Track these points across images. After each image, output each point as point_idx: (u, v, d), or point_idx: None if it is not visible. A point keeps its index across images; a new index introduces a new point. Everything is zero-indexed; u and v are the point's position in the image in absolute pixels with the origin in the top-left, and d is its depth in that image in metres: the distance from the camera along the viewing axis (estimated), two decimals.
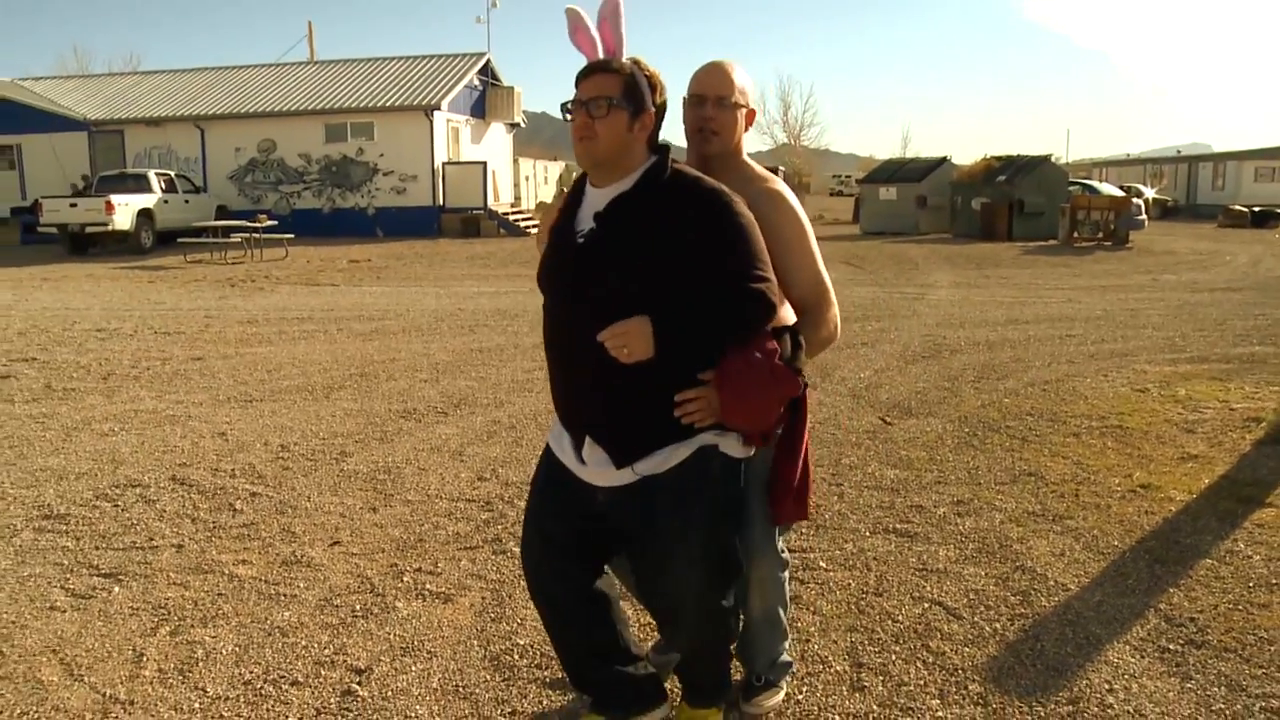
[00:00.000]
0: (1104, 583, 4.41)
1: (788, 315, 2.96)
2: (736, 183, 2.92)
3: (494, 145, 37.90)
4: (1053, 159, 32.17)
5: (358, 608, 4.26)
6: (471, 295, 15.60)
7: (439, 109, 31.68)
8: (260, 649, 3.89)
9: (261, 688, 3.60)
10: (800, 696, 3.45)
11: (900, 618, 4.05)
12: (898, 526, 5.08)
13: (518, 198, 42.49)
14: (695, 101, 3.07)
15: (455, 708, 3.45)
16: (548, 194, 60.58)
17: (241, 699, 3.52)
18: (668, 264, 2.68)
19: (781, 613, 3.33)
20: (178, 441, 7.05)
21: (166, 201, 27.87)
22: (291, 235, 25.71)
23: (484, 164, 32.76)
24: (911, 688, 3.51)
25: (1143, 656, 3.74)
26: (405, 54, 36.48)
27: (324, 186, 32.84)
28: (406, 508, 5.51)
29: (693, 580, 2.88)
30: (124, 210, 26.26)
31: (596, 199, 2.83)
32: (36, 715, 3.46)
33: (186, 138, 33.42)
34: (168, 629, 4.09)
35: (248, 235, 24.29)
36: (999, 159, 31.72)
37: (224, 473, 6.26)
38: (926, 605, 4.17)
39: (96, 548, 5.01)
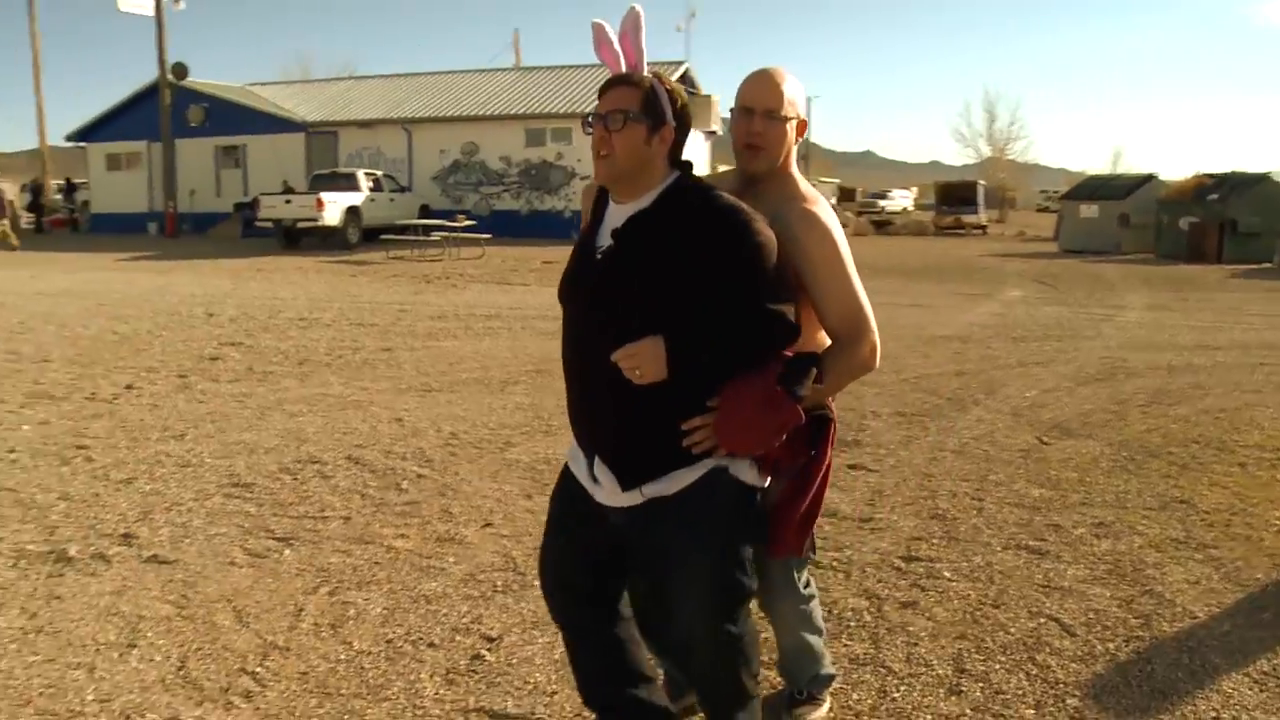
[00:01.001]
0: (1236, 614, 4.35)
1: (823, 341, 2.93)
2: (777, 200, 2.89)
3: (691, 153, 38.21)
4: (1273, 177, 30.38)
5: (499, 583, 4.59)
6: None
7: None
8: (405, 613, 4.25)
9: (401, 646, 3.96)
10: (897, 695, 3.59)
11: (1012, 630, 4.12)
12: (1030, 543, 5.11)
13: None
14: (743, 114, 2.96)
15: (570, 679, 3.71)
16: None
17: (382, 655, 3.88)
18: (684, 285, 2.62)
19: (811, 640, 3.38)
20: (358, 425, 7.56)
21: (373, 200, 29.25)
22: (489, 235, 26.60)
23: None
24: (1009, 696, 3.60)
25: (1261, 690, 3.69)
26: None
27: (523, 189, 33.90)
28: None
29: (700, 604, 2.82)
30: (333, 207, 27.72)
31: (616, 215, 2.78)
32: (209, 651, 3.93)
33: (395, 139, 34.98)
34: (327, 589, 4.50)
35: (446, 234, 25.29)
36: (1211, 176, 30.22)
37: (395, 455, 6.71)
38: (1042, 620, 4.22)
39: (274, 515, 5.50)
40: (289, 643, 3.99)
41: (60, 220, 43.85)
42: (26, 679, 3.75)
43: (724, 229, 2.64)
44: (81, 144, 42.15)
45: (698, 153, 39.70)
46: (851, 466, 6.34)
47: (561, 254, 20.16)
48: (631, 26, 2.84)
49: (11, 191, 47.48)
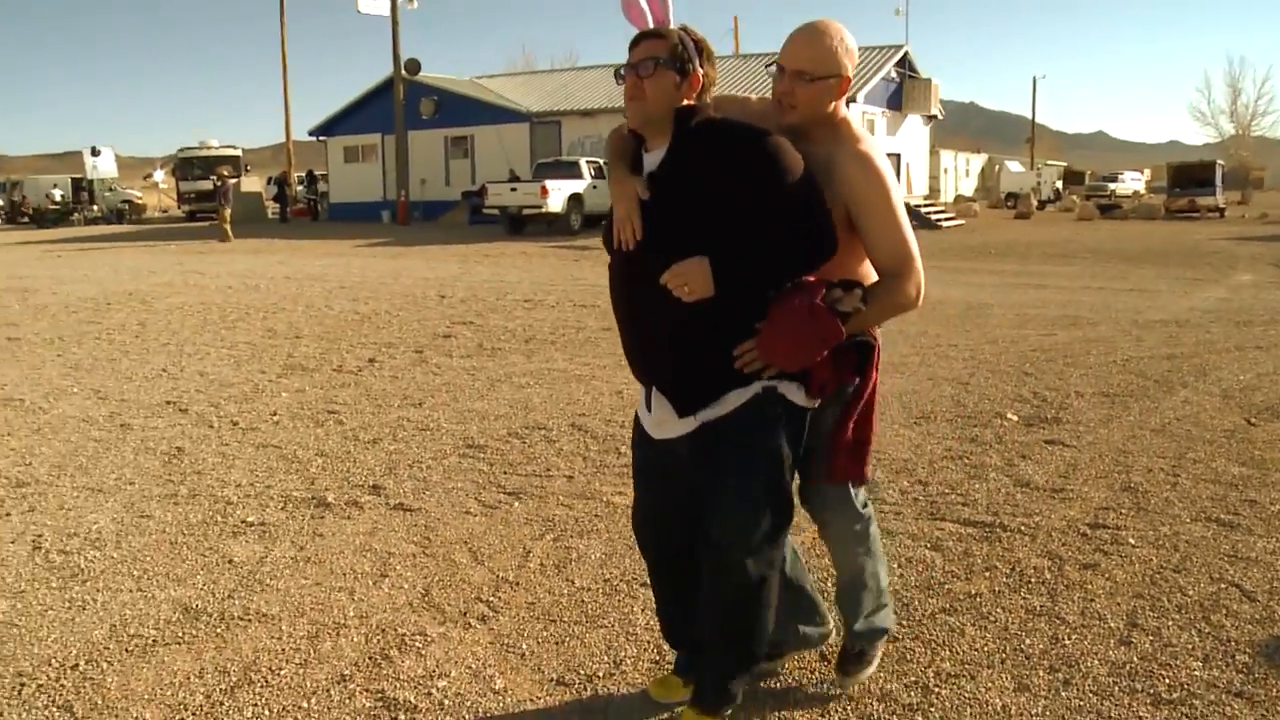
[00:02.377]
0: None
1: (869, 273, 3.09)
2: (829, 143, 3.01)
3: (910, 137, 38.01)
4: None
5: None
6: None
7: (854, 101, 32.20)
8: (621, 558, 4.76)
9: (618, 585, 4.46)
10: (1067, 643, 3.85)
11: (1191, 593, 4.30)
12: (1222, 517, 5.23)
13: (934, 190, 42.29)
14: (779, 70, 3.07)
15: None
16: (968, 186, 59.60)
17: (600, 591, 4.40)
18: (719, 210, 2.82)
19: (866, 564, 3.46)
20: (580, 396, 8.16)
21: (595, 187, 30.15)
22: None
23: (898, 156, 33.02)
24: (1177, 649, 3.81)
25: None
26: None
27: None
28: None
29: (743, 518, 2.98)
30: (557, 194, 28.78)
31: (651, 160, 2.99)
32: (449, 583, 4.53)
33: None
34: (551, 536, 5.06)
35: None
36: None
37: (615, 423, 7.25)
38: (1223, 586, 4.38)
39: (504, 473, 6.12)
40: (518, 578, 4.55)
41: (302, 210, 46.81)
42: (300, 596, 4.43)
43: (749, 152, 2.84)
44: (322, 138, 44.86)
45: (918, 135, 39.32)
46: (1048, 442, 6.53)
47: None
48: None
49: (258, 184, 50.84)
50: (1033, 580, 4.42)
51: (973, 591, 4.31)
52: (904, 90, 37.02)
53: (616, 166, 3.08)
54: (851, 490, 3.38)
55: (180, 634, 4.09)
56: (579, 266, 19.77)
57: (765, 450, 2.98)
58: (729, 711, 3.25)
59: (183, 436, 7.19)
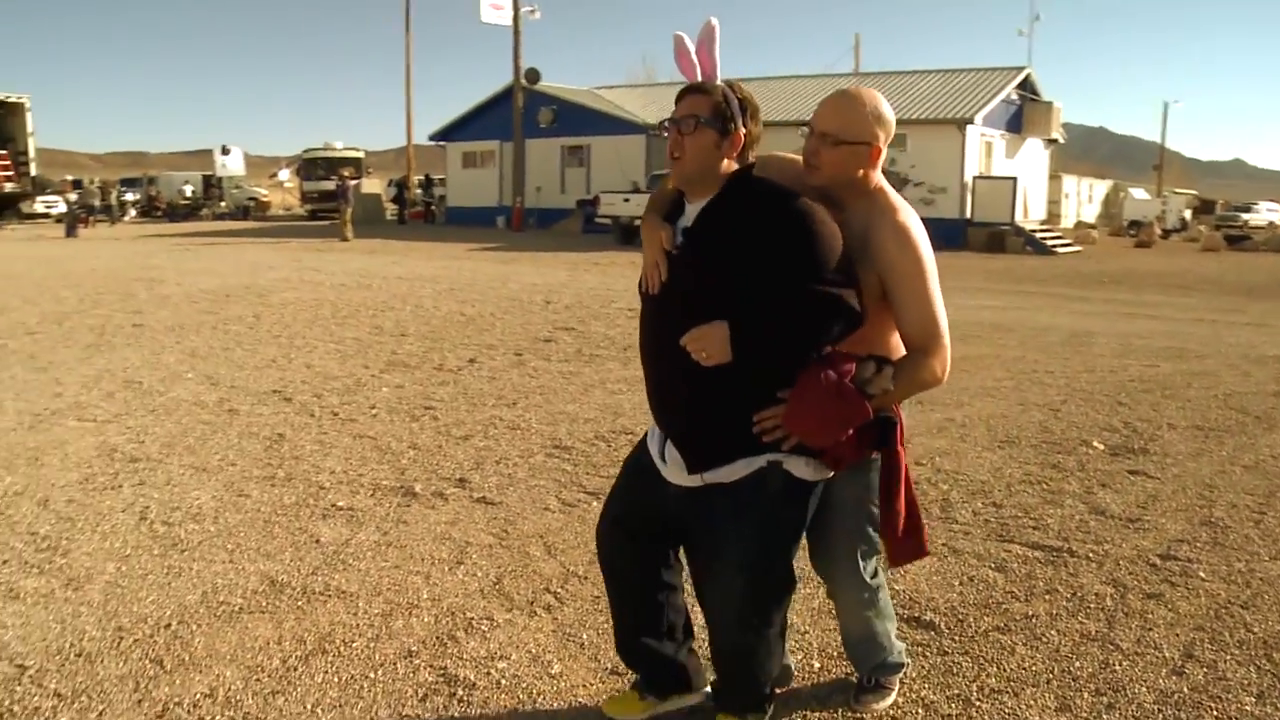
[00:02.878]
0: None
1: (898, 346, 3.07)
2: (866, 212, 3.02)
3: (1029, 160, 37.46)
4: None
5: None
6: (973, 308, 15.96)
7: (972, 123, 31.93)
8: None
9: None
10: (1118, 669, 3.87)
11: (1256, 629, 4.27)
12: None
13: (1053, 215, 41.57)
14: (810, 131, 3.08)
15: (824, 625, 4.23)
16: (1091, 213, 58.31)
17: None
18: (746, 272, 2.80)
19: (876, 626, 3.50)
20: None
21: None
22: None
23: (1014, 180, 32.55)
24: (1231, 683, 3.80)
25: None
26: (943, 67, 36.87)
27: None
28: None
29: (735, 588, 3.05)
30: None
31: (689, 215, 2.99)
32: (520, 573, 4.74)
33: None
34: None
35: None
36: None
37: None
38: None
39: (587, 473, 6.30)
40: (587, 573, 4.71)
41: (419, 213, 47.81)
42: (378, 577, 4.66)
43: (782, 218, 2.82)
44: (442, 143, 45.79)
45: (1037, 159, 38.72)
46: (1132, 472, 6.48)
47: None
48: (707, 38, 3.02)
49: (378, 186, 52.06)
50: (1092, 606, 4.44)
51: (1029, 613, 4.35)
52: (1024, 113, 36.51)
53: (650, 215, 3.11)
54: (860, 563, 3.39)
55: (264, 604, 4.36)
56: None
57: (763, 525, 3.00)
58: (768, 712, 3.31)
59: (285, 424, 7.53)
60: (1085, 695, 3.66)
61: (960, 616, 4.30)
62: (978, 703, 3.60)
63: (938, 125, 32.41)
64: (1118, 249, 35.58)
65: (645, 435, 3.32)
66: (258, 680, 3.72)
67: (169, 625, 4.15)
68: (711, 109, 2.90)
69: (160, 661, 3.85)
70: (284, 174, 63.45)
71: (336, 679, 3.73)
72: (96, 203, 43.90)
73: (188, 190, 52.38)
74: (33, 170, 35.32)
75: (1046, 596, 4.53)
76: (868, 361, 2.91)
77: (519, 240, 32.76)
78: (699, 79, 3.01)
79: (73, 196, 40.01)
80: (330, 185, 43.74)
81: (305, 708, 3.55)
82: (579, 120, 40.11)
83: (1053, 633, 4.16)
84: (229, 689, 3.66)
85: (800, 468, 2.96)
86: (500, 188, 42.68)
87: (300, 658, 3.89)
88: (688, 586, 3.41)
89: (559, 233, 37.37)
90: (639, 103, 41.43)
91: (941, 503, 5.81)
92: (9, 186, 34.70)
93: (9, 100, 34.48)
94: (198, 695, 3.62)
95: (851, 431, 2.89)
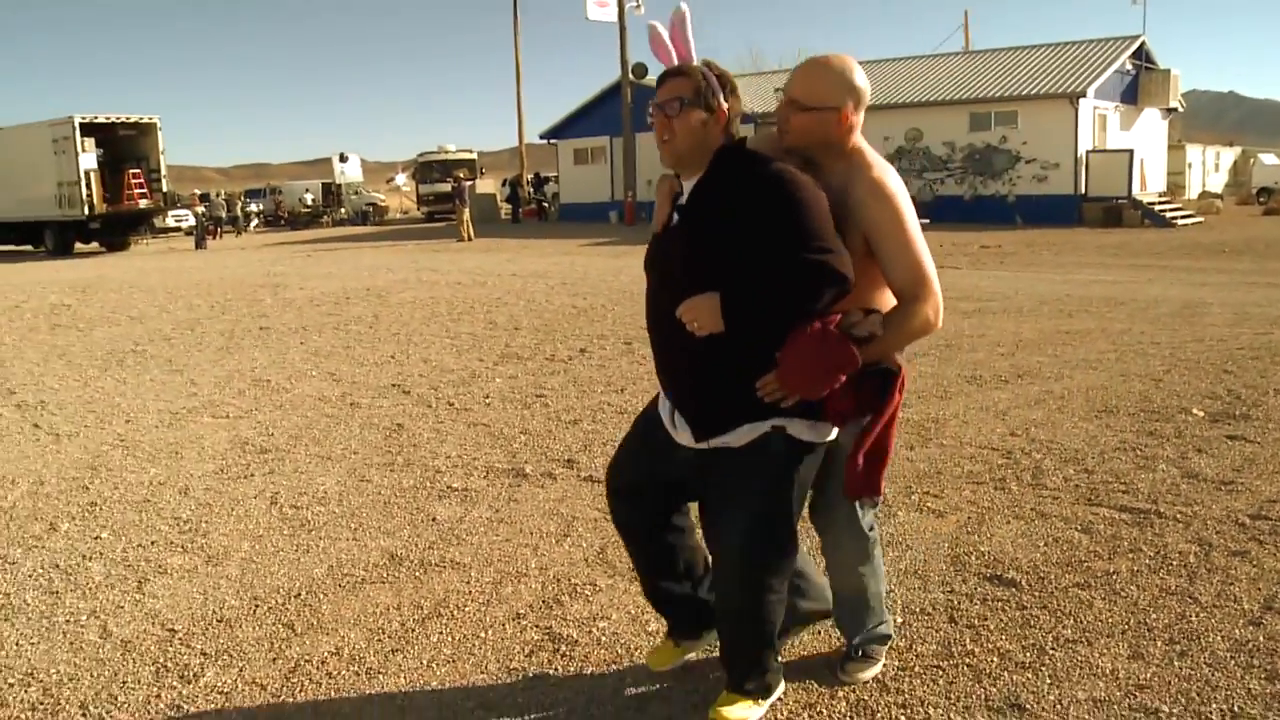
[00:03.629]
0: None
1: (888, 299, 3.14)
2: (844, 171, 3.10)
3: (1146, 132, 36.53)
4: None
5: None
6: (1081, 282, 15.80)
7: (1084, 96, 31.26)
8: None
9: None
10: (1194, 620, 3.99)
11: None
12: None
13: (1176, 186, 40.46)
14: (783, 96, 3.20)
15: (910, 584, 4.44)
16: (1218, 182, 56.47)
17: None
18: (736, 243, 2.93)
19: (868, 584, 3.58)
20: None
21: None
22: (927, 220, 26.75)
23: (1130, 152, 31.81)
24: None
25: None
26: (1053, 40, 36.17)
27: (966, 174, 33.74)
28: (939, 449, 6.46)
29: (737, 548, 3.14)
30: None
31: (684, 191, 3.15)
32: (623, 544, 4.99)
33: None
34: None
35: None
36: None
37: None
38: None
39: None
40: None
41: (532, 210, 48.48)
42: (490, 550, 5.00)
43: (766, 189, 2.93)
44: (553, 141, 46.37)
45: (1155, 130, 37.74)
46: (1230, 437, 6.50)
47: (999, 239, 20.26)
48: (680, 22, 3.16)
49: (493, 186, 52.92)
50: (1174, 563, 4.55)
51: (1111, 570, 4.48)
52: (1140, 83, 35.60)
53: (663, 180, 3.29)
54: (859, 511, 3.47)
55: (385, 575, 4.72)
56: None
57: (766, 488, 3.11)
58: (764, 695, 3.39)
59: (404, 415, 7.94)
60: (1159, 644, 3.79)
61: (1042, 574, 4.46)
62: (1052, 651, 3.76)
63: (1049, 100, 31.82)
64: (1243, 218, 34.55)
65: (656, 397, 3.43)
66: (379, 641, 4.08)
67: (299, 595, 4.55)
68: (693, 89, 3.04)
69: (292, 625, 4.24)
70: (400, 178, 64.91)
71: (450, 639, 4.06)
72: (223, 214, 45.60)
73: (308, 198, 53.99)
74: (164, 186, 36.77)
75: (1130, 555, 4.65)
76: (854, 311, 2.99)
77: (631, 234, 33.12)
78: (675, 63, 3.16)
79: (201, 209, 41.60)
80: (446, 187, 44.72)
81: (422, 663, 3.88)
82: None
83: (1132, 588, 4.29)
84: (353, 648, 4.02)
85: (804, 430, 3.08)
86: (612, 183, 43.11)
87: (418, 621, 4.24)
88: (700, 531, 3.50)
89: None
90: (746, 92, 41.42)
91: (1033, 470, 5.92)
92: (143, 203, 36.16)
93: (142, 121, 35.95)
94: (325, 654, 3.99)
95: (845, 380, 2.96)
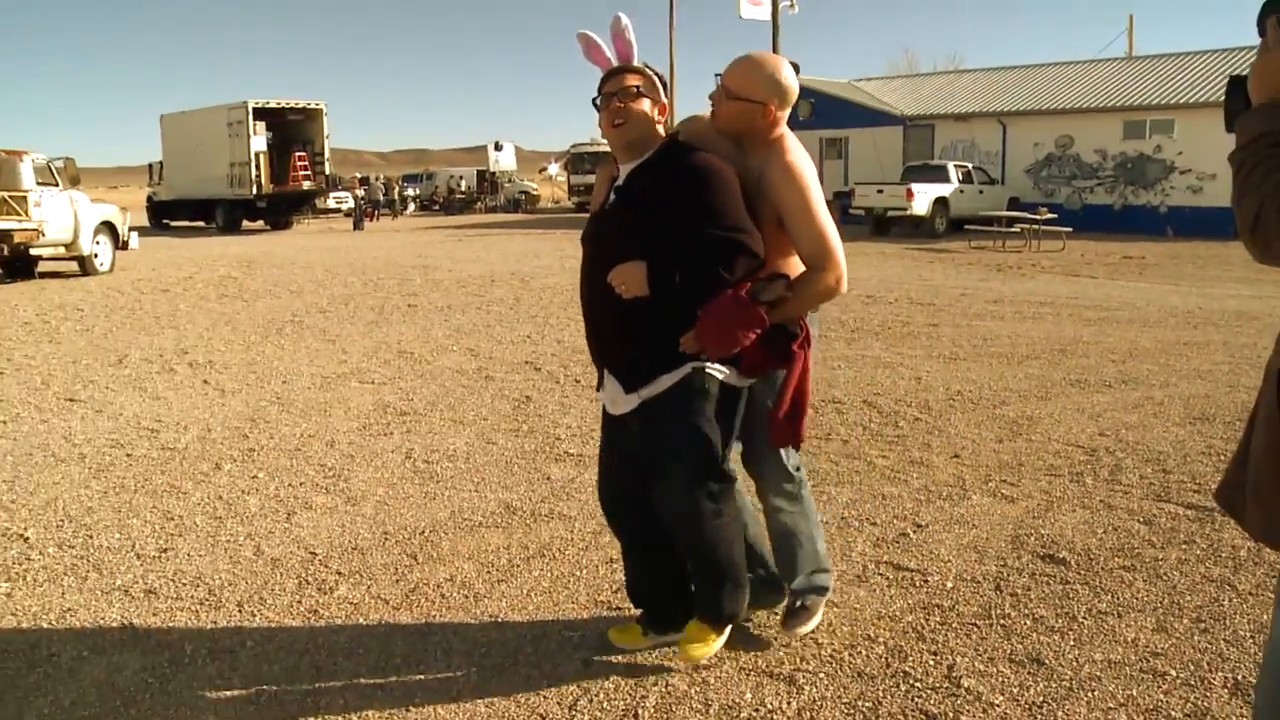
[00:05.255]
0: None
1: (798, 266, 3.54)
2: (762, 154, 3.52)
3: None
4: None
5: (944, 494, 5.77)
6: (1221, 296, 15.64)
7: None
8: (863, 503, 5.60)
9: (850, 521, 5.34)
10: (1225, 604, 4.32)
11: None
12: None
13: None
14: (719, 81, 3.56)
15: (967, 557, 4.86)
16: None
17: (835, 526, 5.26)
18: (662, 221, 3.34)
19: (802, 532, 3.92)
20: (881, 379, 8.95)
21: (962, 191, 30.25)
22: (1069, 229, 26.55)
23: None
24: None
25: None
26: (1217, 47, 35.16)
27: (1117, 183, 33.16)
28: (1026, 444, 6.80)
29: (678, 485, 3.46)
30: (922, 197, 29.13)
31: (621, 175, 3.56)
32: None
33: (989, 132, 35.55)
34: (811, 482, 5.84)
35: (1027, 226, 25.76)
36: None
37: (903, 403, 8.00)
38: None
39: None
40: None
41: None
42: (594, 506, 5.47)
43: (691, 176, 3.37)
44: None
45: None
46: None
47: (1145, 250, 20.04)
48: (623, 30, 3.55)
49: None
50: (1224, 555, 4.85)
51: (1159, 557, 4.82)
52: None
53: (603, 166, 3.75)
54: (783, 453, 3.84)
55: (499, 521, 5.36)
56: (930, 268, 20.21)
57: (697, 423, 3.44)
58: (728, 627, 3.72)
59: (533, 389, 8.60)
60: (1184, 621, 4.15)
61: (1092, 557, 4.82)
62: (1083, 620, 4.15)
63: (1208, 109, 31.03)
64: None
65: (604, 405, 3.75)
66: (488, 572, 4.70)
67: (423, 532, 5.21)
68: (645, 81, 3.49)
69: (415, 556, 4.91)
70: (553, 168, 66.24)
71: (549, 575, 4.65)
72: (381, 198, 47.37)
73: (463, 184, 55.62)
74: (327, 169, 38.54)
75: (1182, 546, 4.97)
76: (765, 279, 3.42)
77: None
78: (617, 64, 3.57)
79: (360, 192, 43.34)
80: None
81: (522, 592, 4.48)
82: (837, 112, 40.34)
83: (1175, 574, 4.63)
84: (465, 577, 4.66)
85: (719, 371, 3.46)
86: None
87: (523, 559, 4.85)
88: None
89: None
90: (897, 94, 41.37)
91: (1112, 468, 6.23)
92: (307, 184, 38.01)
93: (309, 107, 37.79)
94: (441, 579, 4.63)
95: (754, 337, 3.35)
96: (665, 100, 3.54)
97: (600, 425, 3.90)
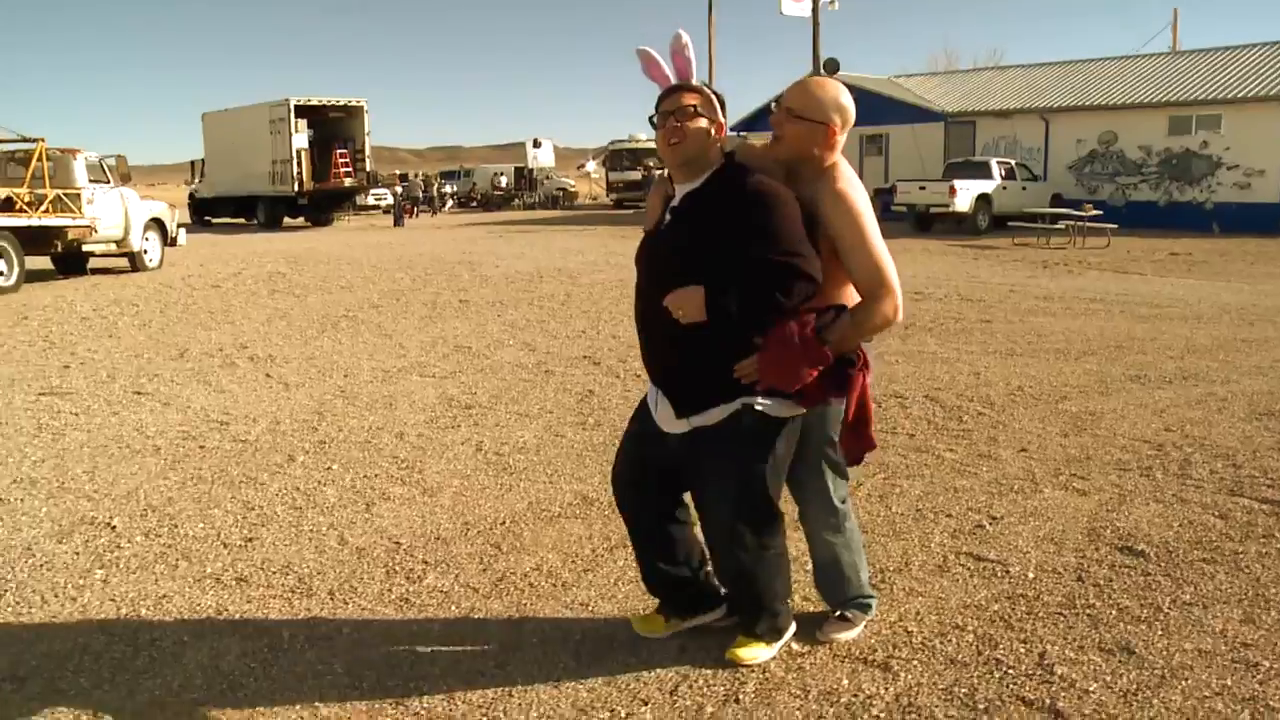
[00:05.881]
0: None
1: (853, 295, 3.50)
2: (813, 180, 3.49)
3: None
4: None
5: (1015, 486, 5.80)
6: (1274, 292, 15.51)
7: None
8: (936, 496, 5.64)
9: (925, 513, 5.37)
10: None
11: None
12: None
13: None
14: (777, 105, 3.55)
15: (1045, 548, 4.89)
16: None
17: (910, 517, 5.32)
18: (721, 247, 3.32)
19: (841, 555, 3.93)
20: (940, 374, 8.97)
21: (1004, 188, 30.08)
22: (1114, 225, 26.34)
23: None
24: None
25: None
26: (1268, 40, 34.74)
27: (1161, 179, 32.86)
28: (1092, 439, 6.81)
29: (724, 514, 3.54)
30: (964, 194, 28.99)
31: (677, 196, 3.53)
32: None
33: (1031, 128, 35.31)
34: (882, 475, 6.00)
35: (1072, 223, 25.61)
36: None
37: (965, 398, 8.02)
38: None
39: None
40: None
41: None
42: None
43: (749, 201, 3.34)
44: (743, 134, 46.77)
45: None
46: None
47: (1191, 246, 19.87)
48: (683, 47, 3.53)
49: None
50: None
51: (1239, 550, 4.83)
52: None
53: (658, 183, 3.70)
54: (829, 484, 3.86)
55: (578, 512, 5.44)
56: (975, 264, 20.14)
57: (743, 459, 3.50)
58: (774, 638, 3.81)
59: (594, 382, 8.68)
60: (1272, 613, 4.16)
61: (1171, 549, 4.84)
62: (1169, 610, 4.18)
63: (1258, 104, 30.71)
64: None
65: (645, 396, 3.82)
66: (573, 562, 4.78)
67: (504, 522, 5.30)
68: (702, 100, 3.46)
69: (499, 546, 5.00)
70: (591, 165, 66.25)
71: (634, 565, 4.66)
72: (420, 195, 47.64)
73: (501, 181, 55.80)
74: (368, 166, 38.76)
75: (1261, 540, 4.98)
76: (826, 312, 3.42)
77: None
78: (676, 82, 3.55)
79: (399, 189, 43.57)
80: (635, 175, 45.71)
81: (610, 582, 4.56)
82: (877, 109, 40.11)
83: (1257, 566, 4.65)
84: (550, 566, 4.74)
85: (772, 407, 3.45)
86: None
87: (606, 550, 4.92)
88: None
89: None
90: (938, 90, 41.17)
91: (1181, 462, 6.23)
92: (349, 181, 38.26)
93: (351, 104, 38.03)
94: (527, 568, 4.71)
95: (815, 373, 3.36)
96: (722, 119, 3.52)
97: (633, 414, 3.92)
